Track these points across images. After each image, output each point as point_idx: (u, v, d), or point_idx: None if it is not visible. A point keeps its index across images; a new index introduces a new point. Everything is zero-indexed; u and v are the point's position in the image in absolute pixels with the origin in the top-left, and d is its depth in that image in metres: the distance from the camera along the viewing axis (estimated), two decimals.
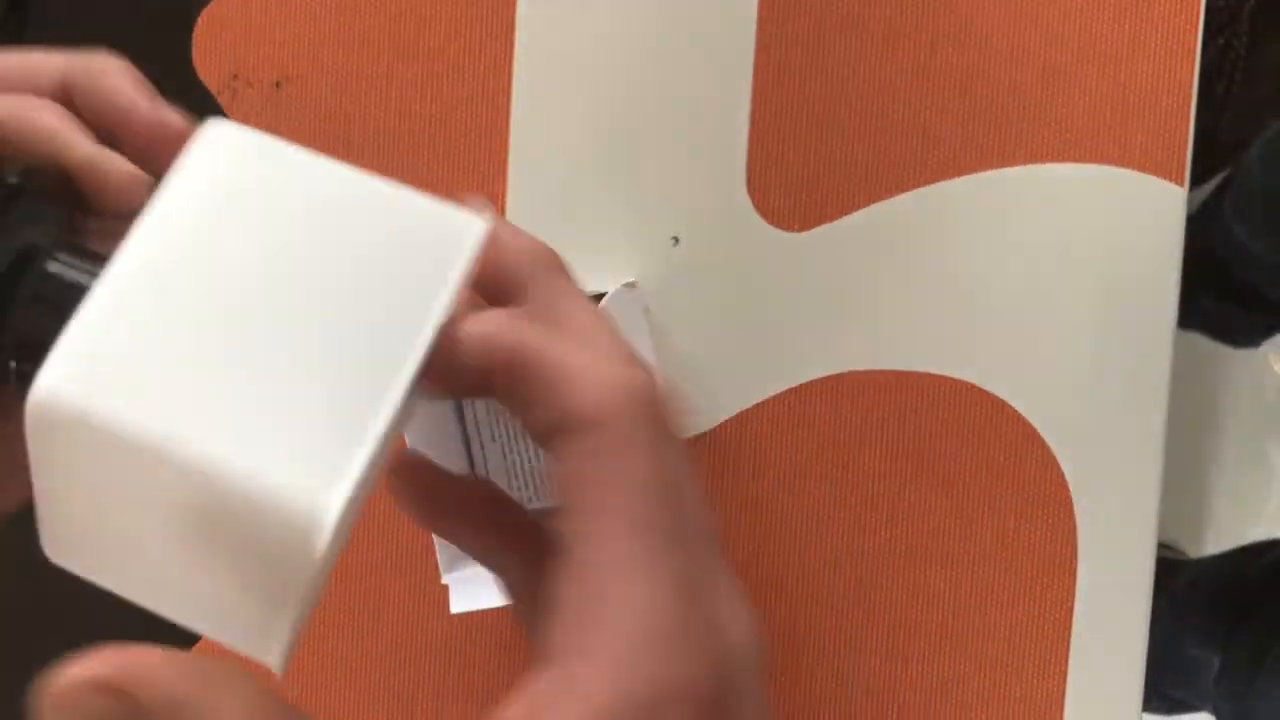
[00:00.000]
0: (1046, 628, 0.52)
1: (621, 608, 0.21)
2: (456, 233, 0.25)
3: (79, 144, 0.26)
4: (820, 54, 0.51)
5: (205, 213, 0.24)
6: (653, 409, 0.23)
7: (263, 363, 0.22)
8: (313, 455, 0.21)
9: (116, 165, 0.27)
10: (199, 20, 0.52)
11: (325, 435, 0.22)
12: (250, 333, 0.23)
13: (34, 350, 0.23)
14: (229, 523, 0.22)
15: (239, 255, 0.24)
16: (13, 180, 0.25)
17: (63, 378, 0.22)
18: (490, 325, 0.24)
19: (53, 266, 0.25)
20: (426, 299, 0.24)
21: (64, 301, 0.24)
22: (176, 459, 0.21)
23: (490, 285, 0.26)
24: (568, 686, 0.21)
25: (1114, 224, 0.51)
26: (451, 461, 0.48)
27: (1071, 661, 0.52)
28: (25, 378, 0.23)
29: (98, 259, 0.25)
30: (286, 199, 0.25)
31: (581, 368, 0.23)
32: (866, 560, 0.52)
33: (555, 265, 0.26)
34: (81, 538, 0.24)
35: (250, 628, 0.23)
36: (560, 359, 0.23)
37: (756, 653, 0.22)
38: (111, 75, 0.28)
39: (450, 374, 0.24)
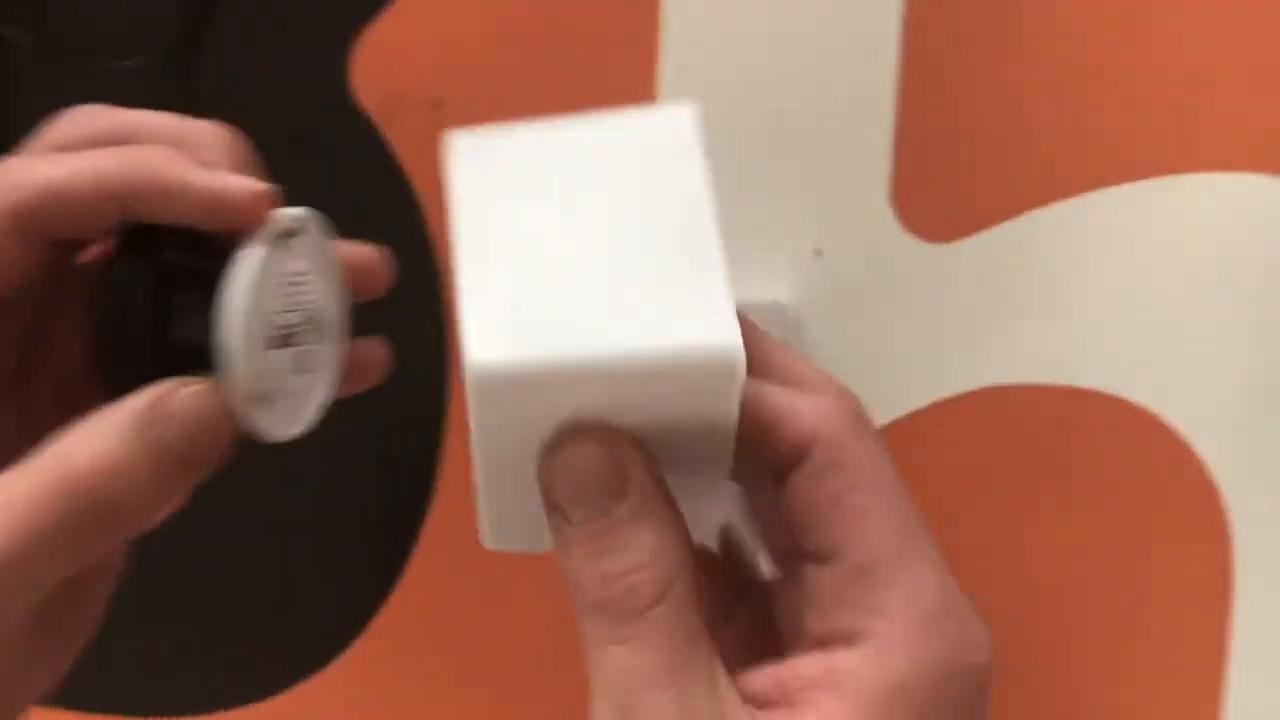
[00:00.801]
0: (1197, 660, 0.51)
1: (906, 591, 0.25)
2: (676, 121, 0.31)
3: (197, 177, 0.30)
4: (967, 56, 0.51)
5: (497, 194, 0.30)
6: (863, 419, 0.27)
7: (613, 278, 0.28)
8: (698, 317, 0.27)
9: (236, 185, 0.30)
10: (358, 42, 0.54)
11: (695, 302, 0.27)
12: (591, 261, 0.28)
13: (203, 354, 0.29)
14: (658, 402, 0.27)
15: (544, 212, 0.29)
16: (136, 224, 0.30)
17: (488, 349, 0.26)
18: None
19: (189, 281, 0.30)
20: (692, 179, 0.29)
21: (197, 308, 0.29)
22: (606, 365, 0.26)
23: None
24: (868, 658, 0.24)
25: (1273, 233, 0.50)
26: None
27: (1227, 700, 0.51)
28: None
29: (217, 267, 0.30)
30: (546, 160, 0.31)
31: (790, 402, 0.26)
32: (1014, 582, 0.52)
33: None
34: (520, 516, 0.29)
35: (700, 501, 0.29)
36: (774, 400, 0.27)
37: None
38: (208, 141, 0.32)
39: None
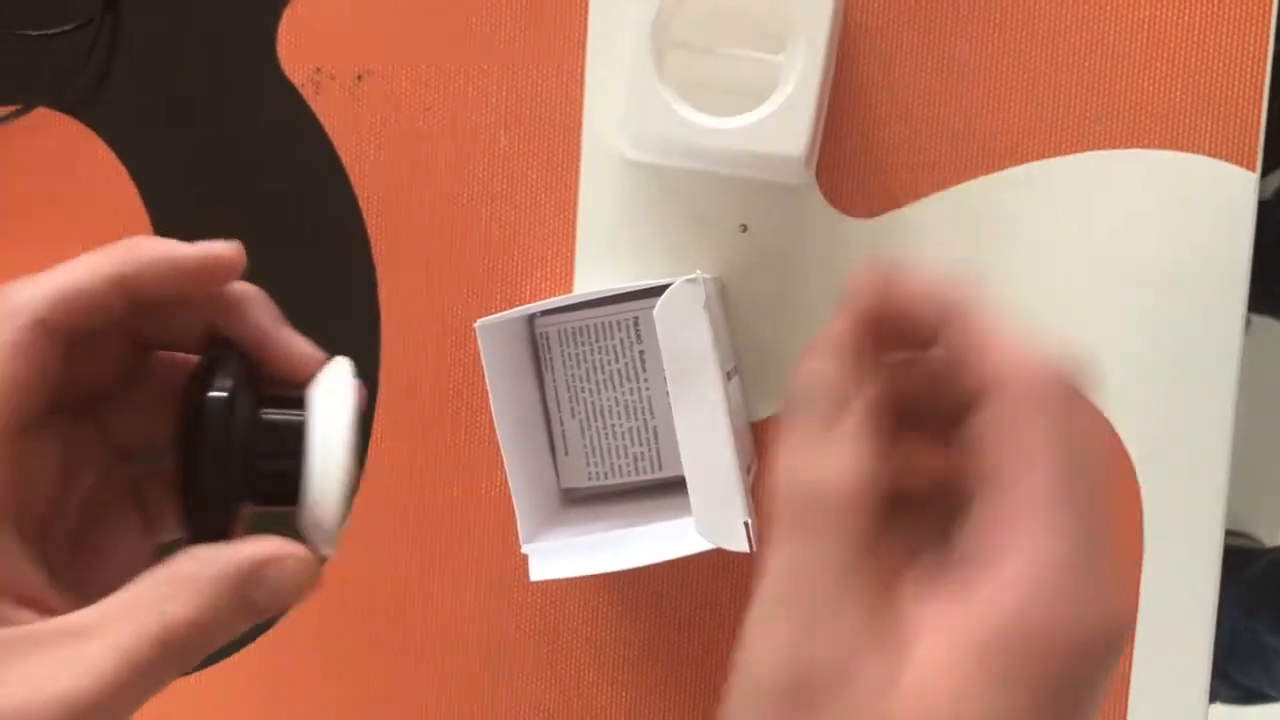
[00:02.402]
0: None
1: (1036, 539, 0.25)
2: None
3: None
4: (887, 40, 0.51)
5: None
6: (1061, 381, 0.27)
7: None
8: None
9: (299, 345, 0.34)
10: (283, 16, 0.54)
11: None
12: None
13: (282, 490, 0.31)
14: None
15: None
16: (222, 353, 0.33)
17: None
18: (948, 288, 0.29)
19: (274, 417, 0.32)
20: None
21: (292, 443, 0.31)
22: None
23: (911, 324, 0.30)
24: (978, 592, 0.25)
25: (1183, 210, 0.51)
26: (531, 436, 0.50)
27: (1136, 648, 0.53)
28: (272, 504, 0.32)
29: (293, 406, 0.32)
30: None
31: (1003, 341, 0.28)
32: None
33: (964, 295, 0.30)
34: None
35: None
36: (990, 332, 0.28)
37: (1124, 633, 0.27)
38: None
39: (908, 325, 0.29)
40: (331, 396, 0.32)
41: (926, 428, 0.31)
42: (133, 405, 0.34)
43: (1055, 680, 0.24)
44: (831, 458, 0.27)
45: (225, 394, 0.31)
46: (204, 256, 0.32)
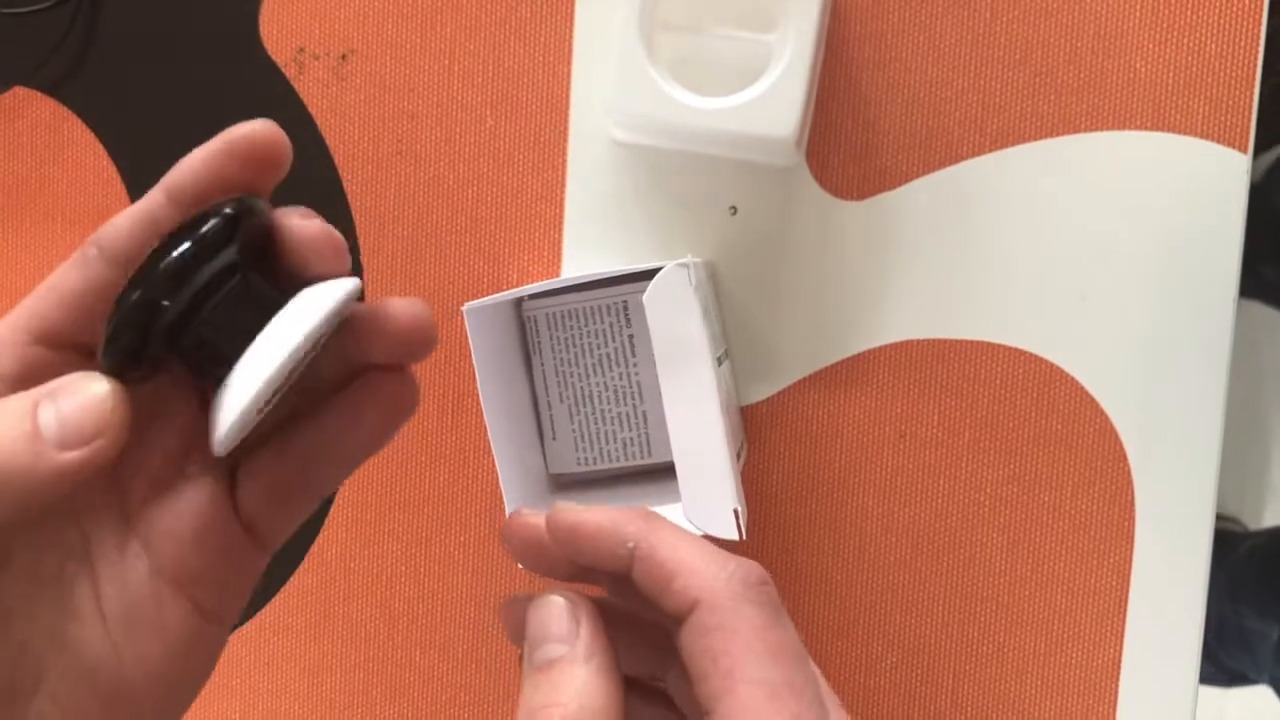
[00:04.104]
0: (1103, 596, 0.53)
1: None
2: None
3: (298, 213, 0.31)
4: (878, 21, 0.51)
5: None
6: (757, 589, 0.29)
7: None
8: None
9: (317, 225, 0.31)
10: None
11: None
12: None
13: (215, 352, 0.28)
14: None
15: None
16: (229, 210, 0.29)
17: None
18: (623, 522, 0.30)
19: (248, 283, 0.29)
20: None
21: (246, 318, 0.28)
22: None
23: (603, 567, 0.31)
24: None
25: (1175, 192, 0.50)
26: (519, 421, 0.50)
27: (1128, 630, 0.53)
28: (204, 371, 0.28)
29: (279, 289, 0.29)
30: None
31: (692, 561, 0.29)
32: (923, 525, 0.53)
33: (643, 526, 0.31)
34: None
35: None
36: (676, 556, 0.29)
37: None
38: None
39: (589, 562, 0.31)
40: (313, 301, 0.29)
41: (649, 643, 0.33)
42: None
43: None
44: (560, 690, 0.28)
45: (226, 228, 0.28)
46: (232, 139, 0.30)
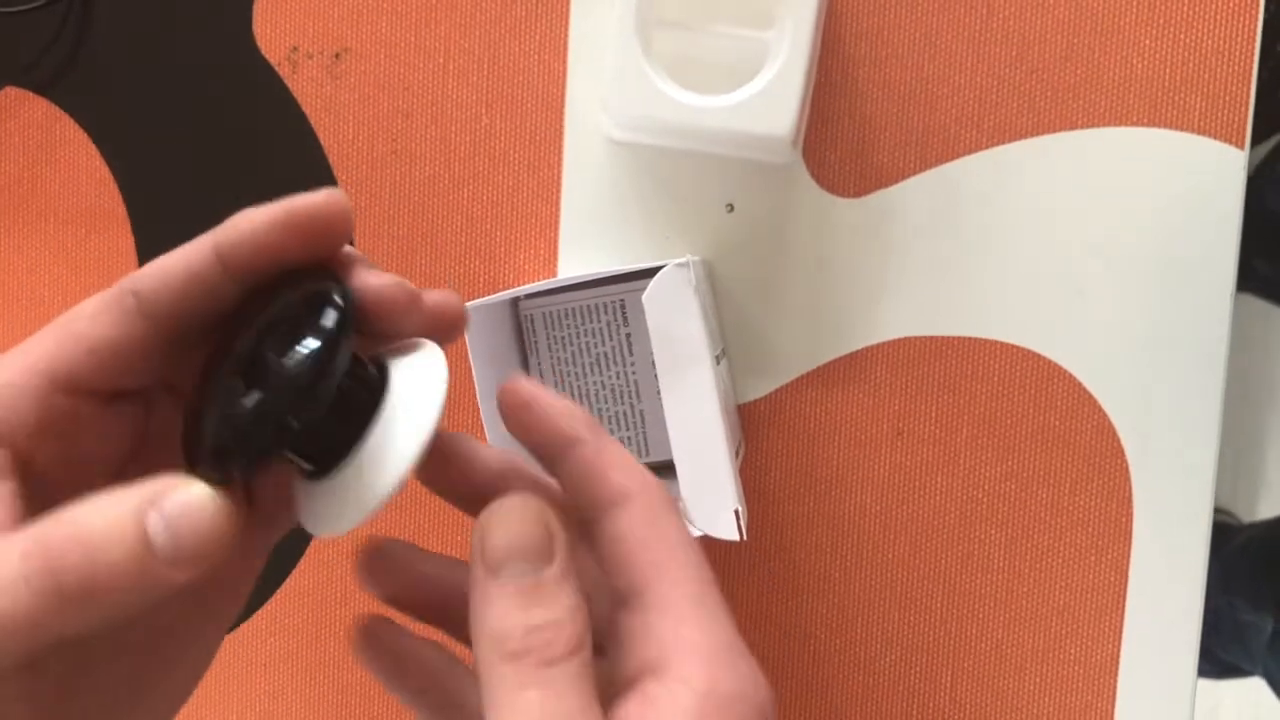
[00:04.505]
0: (1101, 592, 0.53)
1: (697, 630, 0.28)
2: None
3: (374, 274, 0.30)
4: (875, 18, 0.51)
5: None
6: (672, 502, 0.31)
7: None
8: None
9: (393, 284, 0.30)
10: None
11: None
12: None
13: (320, 449, 0.28)
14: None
15: None
16: (337, 299, 0.28)
17: None
18: (567, 414, 0.31)
19: (354, 368, 0.28)
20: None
21: (356, 414, 0.28)
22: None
23: (541, 444, 0.32)
24: (673, 688, 0.27)
25: (1172, 188, 0.50)
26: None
27: (1126, 626, 0.53)
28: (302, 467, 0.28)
29: (379, 377, 0.29)
30: None
31: (628, 459, 0.31)
32: (921, 522, 0.53)
33: (593, 423, 0.32)
34: None
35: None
36: (616, 451, 0.31)
37: (775, 709, 0.29)
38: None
39: (530, 436, 0.31)
40: (422, 378, 0.28)
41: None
42: None
43: None
44: (558, 607, 0.28)
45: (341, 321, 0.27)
46: (295, 210, 0.28)
